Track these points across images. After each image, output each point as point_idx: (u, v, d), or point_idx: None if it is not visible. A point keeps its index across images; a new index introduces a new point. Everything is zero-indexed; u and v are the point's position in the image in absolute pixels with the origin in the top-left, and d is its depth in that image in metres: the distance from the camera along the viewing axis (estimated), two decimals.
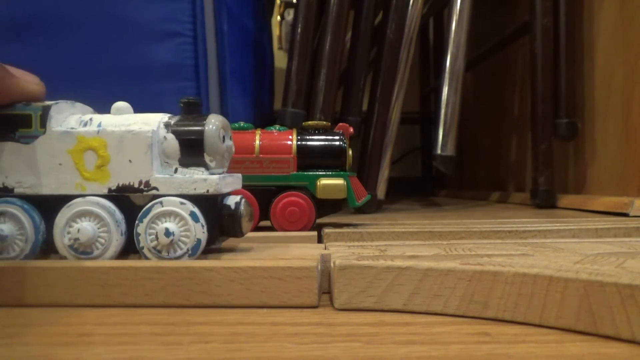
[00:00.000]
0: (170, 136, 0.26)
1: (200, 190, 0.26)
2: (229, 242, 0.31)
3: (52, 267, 0.24)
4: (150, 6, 0.59)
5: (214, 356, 0.17)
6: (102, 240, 0.25)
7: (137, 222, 0.26)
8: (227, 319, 0.22)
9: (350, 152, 0.46)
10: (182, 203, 0.25)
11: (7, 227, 0.26)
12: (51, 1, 0.59)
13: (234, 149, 0.29)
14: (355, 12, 0.74)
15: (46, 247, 0.26)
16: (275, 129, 0.46)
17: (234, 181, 0.28)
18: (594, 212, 0.58)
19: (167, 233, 0.25)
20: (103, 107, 0.55)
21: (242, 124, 0.47)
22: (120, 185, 0.26)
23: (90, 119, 0.27)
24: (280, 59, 0.99)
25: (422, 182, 1.32)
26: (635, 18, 0.60)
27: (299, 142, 0.45)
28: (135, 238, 0.26)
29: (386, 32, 0.70)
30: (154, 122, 0.26)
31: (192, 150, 0.26)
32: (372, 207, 0.70)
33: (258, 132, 0.46)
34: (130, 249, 0.26)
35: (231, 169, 0.44)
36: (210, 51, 0.61)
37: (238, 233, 0.27)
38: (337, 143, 0.45)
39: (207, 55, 0.61)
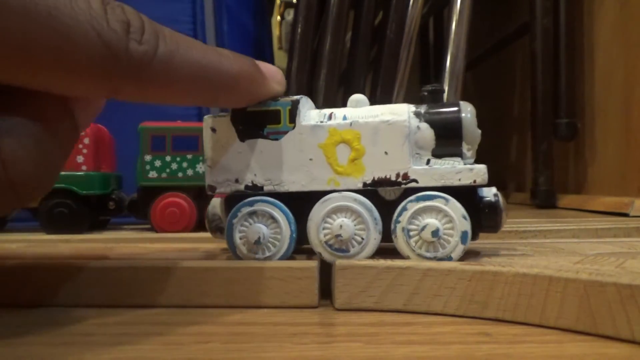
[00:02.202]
0: (424, 125, 0.24)
1: (466, 181, 0.24)
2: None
3: (53, 267, 0.24)
4: (150, 6, 0.59)
5: (214, 356, 0.17)
6: (359, 238, 0.24)
7: (394, 217, 0.24)
8: (227, 319, 0.22)
9: None
10: (443, 197, 0.23)
11: (263, 227, 0.25)
12: None
13: None
14: (355, 12, 0.74)
15: (295, 246, 0.25)
16: None
17: None
18: (594, 212, 0.58)
19: (433, 230, 0.23)
20: (103, 107, 0.55)
21: None
22: (375, 178, 0.24)
23: (332, 113, 0.25)
24: (280, 59, 0.99)
25: None
26: (635, 18, 0.60)
27: None
28: (392, 235, 0.24)
29: (386, 32, 0.70)
30: (404, 111, 0.24)
31: (449, 139, 0.24)
32: None
33: None
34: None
35: None
36: None
37: (497, 228, 0.25)
38: None
39: None
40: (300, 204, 0.25)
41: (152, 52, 0.17)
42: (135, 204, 0.45)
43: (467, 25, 0.70)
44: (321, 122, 0.25)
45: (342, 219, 0.24)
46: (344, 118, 0.25)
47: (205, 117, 0.26)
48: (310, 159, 0.25)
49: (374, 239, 0.24)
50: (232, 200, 0.26)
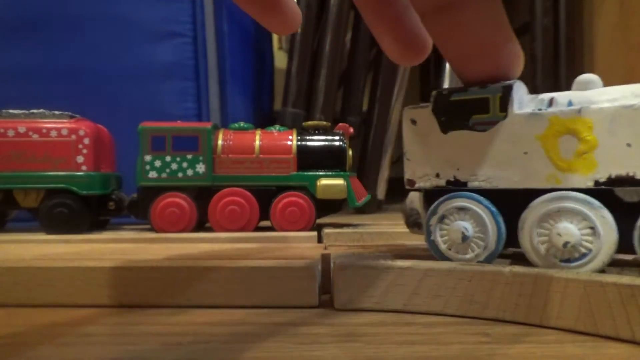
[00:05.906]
0: None
1: None
2: (237, 240, 0.31)
3: (53, 267, 0.24)
4: (150, 6, 0.59)
5: (214, 356, 0.17)
6: (587, 246, 0.21)
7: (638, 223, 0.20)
8: (227, 319, 0.22)
9: (350, 152, 0.46)
10: None
11: (467, 225, 0.23)
12: (52, 1, 0.59)
13: None
14: (355, 12, 0.74)
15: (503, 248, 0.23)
16: (275, 129, 0.46)
17: None
18: None
19: None
20: (103, 107, 0.55)
21: (242, 124, 0.47)
22: (612, 176, 0.20)
23: (553, 98, 0.22)
24: (280, 59, 0.99)
25: None
26: (635, 18, 0.60)
27: (299, 143, 0.45)
28: (635, 243, 0.20)
29: None
30: None
31: None
32: (373, 207, 0.70)
33: (258, 132, 0.46)
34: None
35: (231, 170, 0.45)
36: (210, 51, 0.61)
37: None
38: (337, 143, 0.45)
39: (207, 55, 0.61)
40: (510, 202, 0.22)
41: None
42: (135, 204, 0.45)
43: None
44: (539, 109, 0.22)
45: (564, 224, 0.21)
46: (569, 104, 0.21)
47: (405, 108, 0.24)
48: (525, 153, 0.22)
49: (609, 247, 0.20)
50: (433, 196, 0.24)
